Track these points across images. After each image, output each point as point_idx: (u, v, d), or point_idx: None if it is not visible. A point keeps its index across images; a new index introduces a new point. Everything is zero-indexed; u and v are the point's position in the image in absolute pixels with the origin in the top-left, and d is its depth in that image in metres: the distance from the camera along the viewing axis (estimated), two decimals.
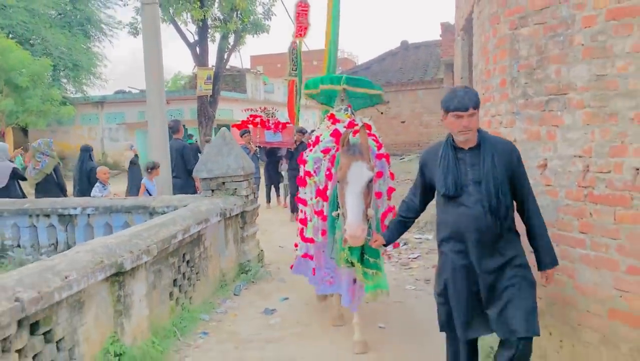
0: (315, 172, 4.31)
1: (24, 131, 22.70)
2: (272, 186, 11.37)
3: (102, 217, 5.96)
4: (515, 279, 2.68)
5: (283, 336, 4.38)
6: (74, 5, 23.31)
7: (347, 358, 3.95)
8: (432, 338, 3.85)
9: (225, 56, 19.52)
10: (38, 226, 6.21)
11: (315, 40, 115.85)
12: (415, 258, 6.71)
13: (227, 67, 21.67)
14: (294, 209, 8.22)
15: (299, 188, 4.68)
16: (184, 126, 9.48)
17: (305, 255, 4.55)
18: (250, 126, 10.97)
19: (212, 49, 19.28)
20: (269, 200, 11.40)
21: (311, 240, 4.31)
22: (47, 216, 6.15)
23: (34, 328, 2.79)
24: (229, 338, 4.39)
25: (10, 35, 19.71)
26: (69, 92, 23.37)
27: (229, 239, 5.74)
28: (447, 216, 2.82)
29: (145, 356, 3.67)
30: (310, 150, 4.51)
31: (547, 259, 2.81)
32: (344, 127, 4.24)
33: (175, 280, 4.53)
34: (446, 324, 2.91)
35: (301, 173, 4.56)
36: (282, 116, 13.75)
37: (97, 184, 7.28)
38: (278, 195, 11.56)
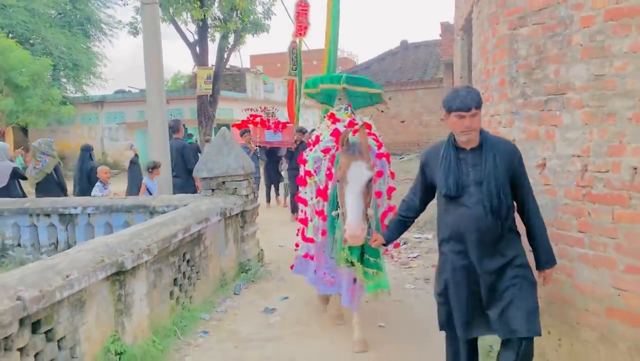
0: (315, 171, 4.30)
1: (24, 130, 22.73)
2: (272, 185, 11.39)
3: (102, 216, 5.97)
4: (516, 280, 2.68)
5: (283, 335, 4.39)
6: (74, 5, 23.30)
7: (347, 357, 3.95)
8: (432, 337, 3.85)
9: (225, 56, 19.51)
10: (38, 225, 6.22)
11: (315, 39, 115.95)
12: (414, 257, 6.73)
13: (227, 66, 21.65)
14: (294, 209, 8.22)
15: (299, 188, 4.67)
16: (184, 125, 9.48)
17: (306, 255, 4.54)
18: (250, 126, 10.96)
19: (212, 48, 19.32)
20: (268, 200, 11.40)
21: (311, 240, 4.31)
22: (48, 215, 6.16)
23: (35, 326, 2.81)
24: (229, 337, 4.40)
25: (10, 35, 19.70)
26: (69, 91, 23.36)
27: (229, 239, 5.76)
28: (447, 217, 2.82)
29: (145, 355, 3.68)
30: (311, 149, 4.50)
31: (545, 259, 2.82)
32: (344, 126, 4.22)
33: (175, 279, 4.55)
34: (446, 324, 2.91)
35: (301, 173, 4.55)
36: (282, 115, 13.73)
37: (98, 183, 7.29)
38: (277, 195, 11.57)
